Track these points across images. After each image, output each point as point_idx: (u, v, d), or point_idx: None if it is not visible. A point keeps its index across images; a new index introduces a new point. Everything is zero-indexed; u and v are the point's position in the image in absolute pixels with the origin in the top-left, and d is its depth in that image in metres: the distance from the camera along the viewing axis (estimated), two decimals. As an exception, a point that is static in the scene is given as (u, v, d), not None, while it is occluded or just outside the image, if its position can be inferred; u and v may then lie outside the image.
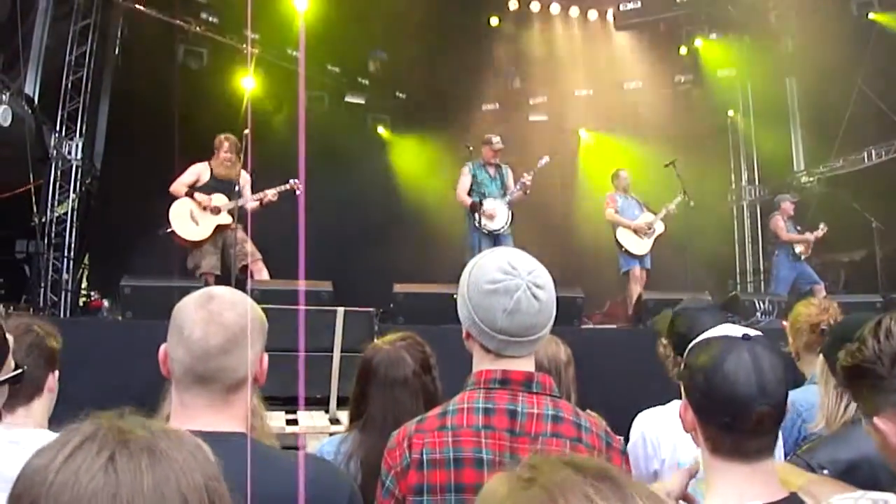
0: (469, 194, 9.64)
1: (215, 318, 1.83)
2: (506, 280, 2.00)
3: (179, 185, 8.57)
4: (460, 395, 2.06)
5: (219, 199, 8.52)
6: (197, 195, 8.49)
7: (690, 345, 1.96)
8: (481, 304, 2.02)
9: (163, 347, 1.88)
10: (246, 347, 1.85)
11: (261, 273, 8.54)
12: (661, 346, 3.29)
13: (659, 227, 10.43)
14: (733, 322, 2.22)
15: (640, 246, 10.35)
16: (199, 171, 8.66)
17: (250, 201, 8.65)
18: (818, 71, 13.86)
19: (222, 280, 8.37)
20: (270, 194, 8.70)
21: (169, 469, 1.05)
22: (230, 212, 8.53)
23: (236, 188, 8.54)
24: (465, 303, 2.07)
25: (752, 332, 1.89)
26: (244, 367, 1.85)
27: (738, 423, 1.76)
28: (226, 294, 1.92)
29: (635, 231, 10.33)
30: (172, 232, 8.42)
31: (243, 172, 8.67)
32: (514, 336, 2.02)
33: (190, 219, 8.49)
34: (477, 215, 9.44)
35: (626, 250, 10.31)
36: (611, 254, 10.84)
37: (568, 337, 3.36)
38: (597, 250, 11.72)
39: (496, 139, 9.85)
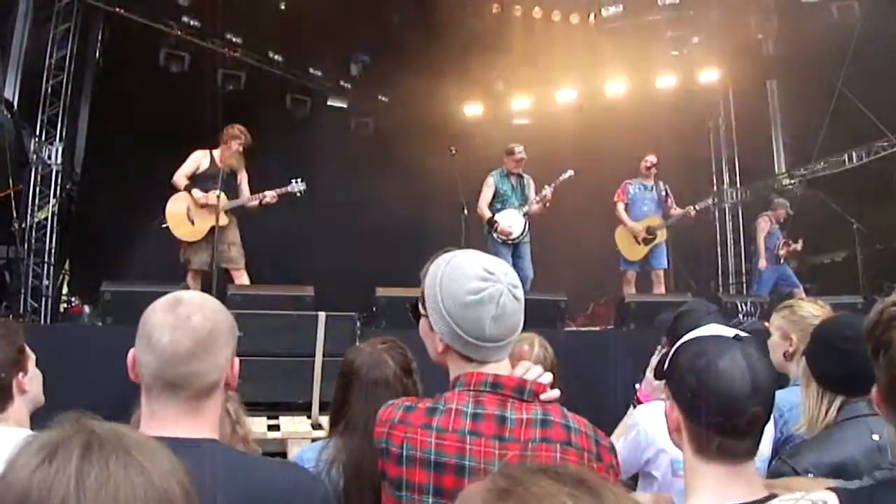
0: (491, 204, 9.63)
1: (183, 322, 1.79)
2: (488, 287, 1.97)
3: (180, 177, 8.47)
4: (450, 394, 2.02)
5: (215, 198, 8.35)
6: (195, 192, 8.38)
7: (677, 344, 1.94)
8: (465, 317, 1.98)
9: (131, 352, 1.85)
10: (215, 352, 1.82)
11: (240, 281, 8.49)
12: (662, 346, 3.30)
13: (661, 236, 10.20)
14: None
15: (633, 251, 10.22)
16: (198, 159, 8.57)
17: (250, 201, 8.58)
18: (799, 73, 13.95)
19: (210, 276, 8.31)
20: (269, 195, 8.58)
21: (139, 474, 1.04)
22: (227, 212, 8.46)
23: (237, 183, 8.52)
24: (442, 318, 2.02)
25: (742, 334, 1.88)
26: (215, 371, 1.83)
27: (729, 422, 1.75)
28: (194, 298, 1.88)
29: (633, 234, 10.21)
30: (167, 227, 8.34)
31: (244, 170, 8.65)
32: (500, 340, 2.00)
33: (186, 217, 8.40)
34: (493, 231, 9.46)
35: (619, 250, 10.26)
36: (594, 256, 10.84)
37: (550, 339, 3.37)
38: (580, 253, 11.72)
39: (519, 149, 9.71)
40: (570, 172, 9.79)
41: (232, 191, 8.55)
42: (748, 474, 1.80)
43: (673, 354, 1.93)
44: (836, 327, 2.66)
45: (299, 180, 8.73)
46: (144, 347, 1.80)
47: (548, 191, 9.59)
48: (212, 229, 8.31)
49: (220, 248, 8.35)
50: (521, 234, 9.51)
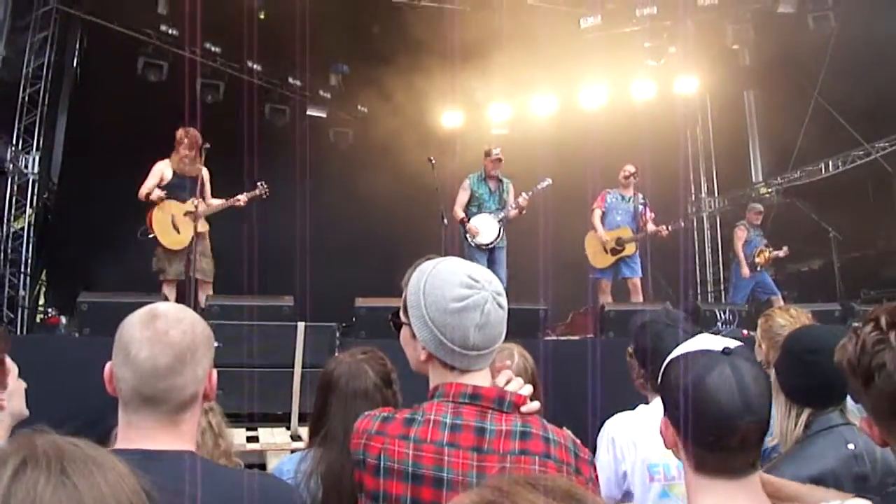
0: (467, 207, 9.65)
1: (161, 337, 1.77)
2: (472, 294, 1.95)
3: (148, 190, 8.50)
4: (429, 405, 1.99)
5: (199, 206, 8.49)
6: (194, 201, 8.45)
7: (667, 360, 1.90)
8: (449, 324, 1.95)
9: (108, 365, 1.82)
10: (194, 365, 1.80)
11: (206, 293, 8.50)
12: (628, 354, 3.29)
13: (629, 250, 10.17)
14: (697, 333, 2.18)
15: (599, 258, 10.23)
16: (161, 170, 8.62)
17: (216, 206, 8.69)
18: (775, 83, 14.07)
19: (185, 285, 8.34)
20: (243, 199, 8.74)
21: (112, 475, 1.05)
22: (207, 218, 8.61)
23: (198, 185, 8.51)
24: (425, 325, 1.98)
25: (733, 344, 1.83)
26: (193, 385, 1.81)
27: (723, 441, 1.71)
28: (170, 311, 1.85)
29: (603, 243, 10.20)
30: (153, 236, 8.36)
31: (203, 169, 8.62)
32: (484, 349, 1.97)
33: (171, 226, 8.46)
34: (464, 231, 9.47)
35: (587, 256, 10.26)
36: (573, 265, 10.85)
37: (531, 349, 3.36)
38: (559, 261, 11.73)
39: (496, 150, 9.73)
40: (548, 181, 9.78)
41: (200, 193, 8.61)
42: (750, 487, 1.76)
43: (664, 371, 1.89)
44: (801, 341, 2.67)
45: (262, 183, 8.88)
46: (122, 362, 1.78)
47: (524, 198, 9.57)
48: (195, 236, 8.41)
49: (191, 257, 8.40)
50: (495, 239, 9.50)
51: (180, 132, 8.61)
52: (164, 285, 8.42)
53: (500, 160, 9.68)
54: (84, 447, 1.09)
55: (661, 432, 1.90)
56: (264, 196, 8.88)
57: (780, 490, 1.94)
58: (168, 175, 8.57)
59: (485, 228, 9.49)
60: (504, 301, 2.01)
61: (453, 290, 1.96)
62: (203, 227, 8.53)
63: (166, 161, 8.65)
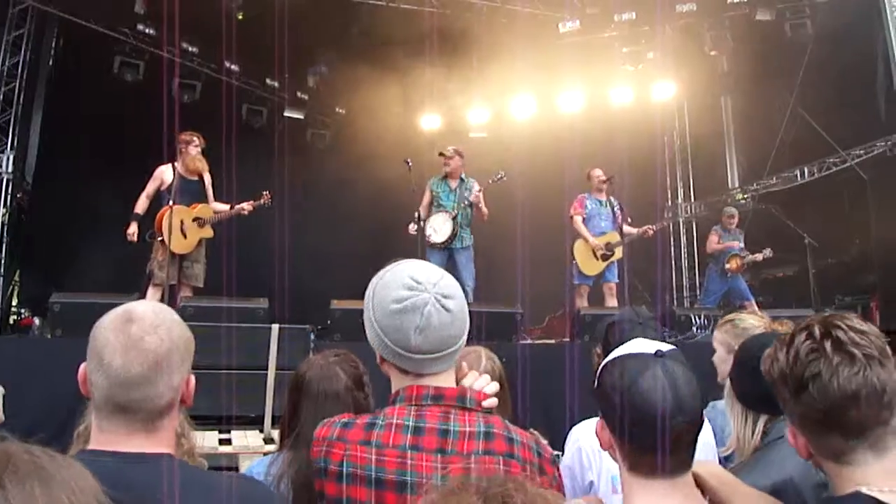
0: (431, 208, 9.65)
1: (136, 343, 1.70)
2: (412, 296, 1.93)
3: (146, 196, 8.62)
4: (390, 409, 1.98)
5: (204, 211, 8.67)
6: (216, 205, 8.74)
7: (602, 363, 1.92)
8: (391, 326, 1.94)
9: (83, 367, 1.76)
10: (169, 373, 1.74)
11: (185, 294, 8.52)
12: (595, 355, 3.28)
13: (618, 254, 10.09)
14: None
15: (590, 265, 10.12)
16: (161, 175, 8.64)
17: (222, 214, 8.80)
18: (753, 90, 14.17)
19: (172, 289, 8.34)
20: (248, 208, 8.84)
21: (60, 490, 1.02)
22: (213, 225, 8.72)
23: (205, 188, 8.76)
24: (371, 326, 1.99)
25: (665, 347, 1.85)
26: (168, 393, 1.75)
27: (656, 441, 1.72)
28: (147, 315, 1.77)
29: (592, 249, 10.10)
30: (161, 240, 8.35)
31: (206, 173, 8.78)
32: (430, 353, 1.95)
33: (180, 231, 8.47)
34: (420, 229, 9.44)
35: (575, 263, 10.20)
36: (549, 268, 10.85)
37: (506, 352, 3.35)
38: (536, 264, 11.75)
39: (447, 150, 9.74)
40: (501, 174, 9.76)
41: (203, 197, 8.78)
42: (684, 486, 1.79)
43: (599, 374, 1.90)
44: (749, 349, 2.65)
45: (267, 192, 8.99)
46: (95, 367, 1.72)
47: (473, 193, 9.52)
48: (199, 243, 8.63)
49: (185, 263, 8.41)
50: (448, 238, 9.45)
51: (187, 134, 8.66)
52: (150, 287, 8.38)
53: (447, 156, 9.67)
54: (41, 458, 1.06)
55: (596, 434, 1.92)
56: (267, 205, 8.98)
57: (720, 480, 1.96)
58: (168, 178, 8.56)
59: (438, 227, 9.45)
60: (452, 304, 1.96)
61: (394, 291, 1.95)
62: (208, 233, 8.68)
63: (168, 165, 8.63)
